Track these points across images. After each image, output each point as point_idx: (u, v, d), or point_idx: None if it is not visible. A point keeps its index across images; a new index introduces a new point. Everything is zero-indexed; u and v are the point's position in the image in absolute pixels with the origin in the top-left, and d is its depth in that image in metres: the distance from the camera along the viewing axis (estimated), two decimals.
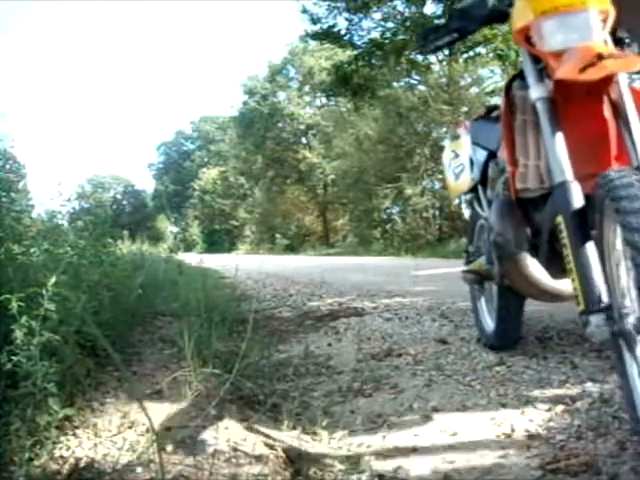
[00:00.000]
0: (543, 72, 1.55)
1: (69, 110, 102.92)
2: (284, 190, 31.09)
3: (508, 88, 1.73)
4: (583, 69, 1.37)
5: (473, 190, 2.42)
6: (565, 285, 1.80)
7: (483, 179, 2.28)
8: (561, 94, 1.50)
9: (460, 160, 2.48)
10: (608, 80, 1.45)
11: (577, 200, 1.38)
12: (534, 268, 1.84)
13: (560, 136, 1.46)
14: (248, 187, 35.84)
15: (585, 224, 1.35)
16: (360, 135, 18.85)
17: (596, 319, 1.25)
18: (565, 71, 1.41)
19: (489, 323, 2.52)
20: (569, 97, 1.51)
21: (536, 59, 1.56)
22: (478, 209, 2.39)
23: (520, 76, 1.68)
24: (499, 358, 2.25)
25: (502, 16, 1.70)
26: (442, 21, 1.86)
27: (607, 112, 1.54)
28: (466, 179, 2.42)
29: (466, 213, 2.56)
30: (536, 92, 1.53)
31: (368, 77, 17.16)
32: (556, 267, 1.78)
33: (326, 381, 2.28)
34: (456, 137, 2.60)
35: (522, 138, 1.67)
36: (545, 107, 1.51)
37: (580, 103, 1.53)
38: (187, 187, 45.67)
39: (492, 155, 2.19)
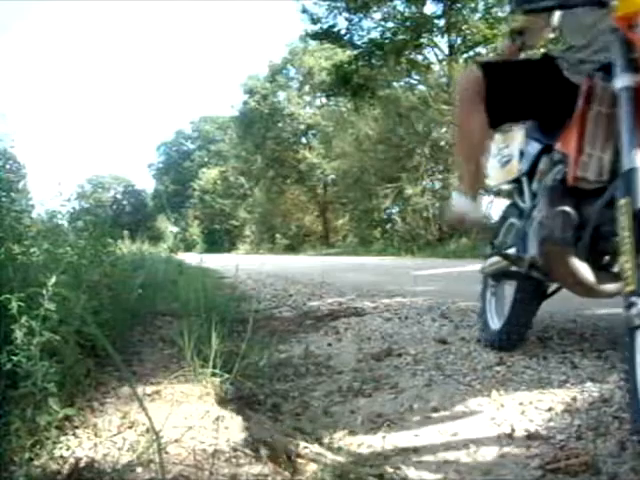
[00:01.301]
0: (633, 63, 1.53)
1: (69, 110, 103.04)
2: (284, 190, 31.10)
3: (590, 77, 1.75)
4: None
5: (516, 181, 2.43)
6: (601, 283, 1.80)
7: (530, 171, 2.30)
8: None
9: (509, 150, 2.51)
10: None
11: None
12: (574, 257, 1.82)
13: (636, 126, 1.46)
14: (248, 187, 35.88)
15: None
16: (360, 135, 18.86)
17: None
18: None
19: (495, 321, 2.52)
20: None
21: (629, 49, 1.54)
22: (518, 200, 2.40)
23: (604, 68, 1.68)
24: (499, 358, 2.24)
25: (602, 2, 1.64)
26: None
27: None
28: (512, 169, 2.45)
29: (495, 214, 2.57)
30: (622, 80, 1.52)
31: (368, 77, 17.18)
32: (594, 263, 1.79)
33: (326, 381, 2.27)
34: (507, 130, 2.62)
35: (593, 128, 1.71)
36: (628, 96, 1.50)
37: None
38: (187, 187, 45.70)
39: (546, 148, 2.20)
